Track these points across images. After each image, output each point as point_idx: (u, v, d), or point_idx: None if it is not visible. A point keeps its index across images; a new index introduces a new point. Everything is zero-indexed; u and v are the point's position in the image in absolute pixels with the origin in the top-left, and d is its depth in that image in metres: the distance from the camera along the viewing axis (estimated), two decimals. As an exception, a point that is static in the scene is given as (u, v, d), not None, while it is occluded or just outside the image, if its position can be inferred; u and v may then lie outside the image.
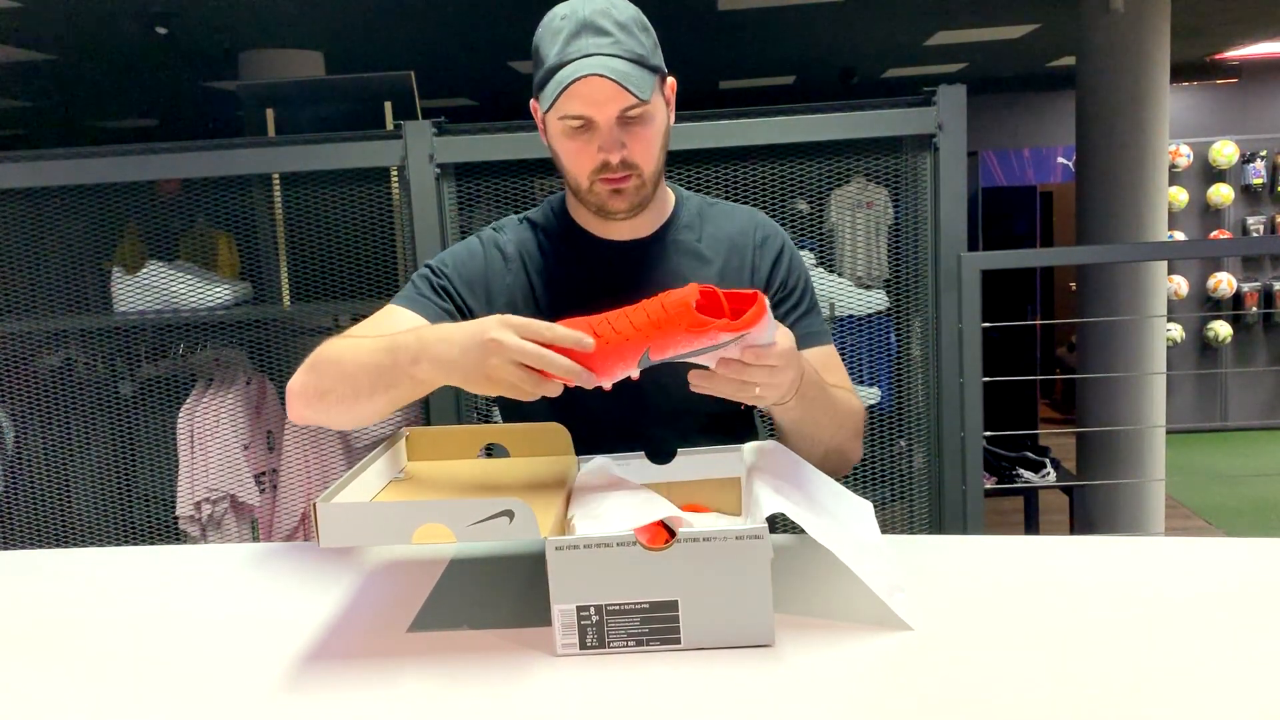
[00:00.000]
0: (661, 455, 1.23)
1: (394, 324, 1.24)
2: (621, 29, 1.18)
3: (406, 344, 1.08)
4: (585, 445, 1.26)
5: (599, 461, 1.20)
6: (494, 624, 1.04)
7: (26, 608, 1.18)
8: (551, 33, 1.19)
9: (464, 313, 1.31)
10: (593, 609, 0.94)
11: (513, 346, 0.99)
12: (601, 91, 1.16)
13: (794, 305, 1.36)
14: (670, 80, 1.27)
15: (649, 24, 1.23)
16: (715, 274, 1.34)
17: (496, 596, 1.12)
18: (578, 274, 1.34)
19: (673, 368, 1.31)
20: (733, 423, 1.38)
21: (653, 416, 1.31)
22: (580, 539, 0.93)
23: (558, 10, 1.20)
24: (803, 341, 1.35)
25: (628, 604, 0.94)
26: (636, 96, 1.16)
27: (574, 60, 1.16)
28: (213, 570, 1.28)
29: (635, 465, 1.22)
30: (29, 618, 1.14)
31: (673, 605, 0.94)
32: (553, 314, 1.31)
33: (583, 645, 0.94)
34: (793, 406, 1.15)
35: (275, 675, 0.95)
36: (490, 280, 1.33)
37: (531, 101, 1.25)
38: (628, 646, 0.95)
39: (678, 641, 0.95)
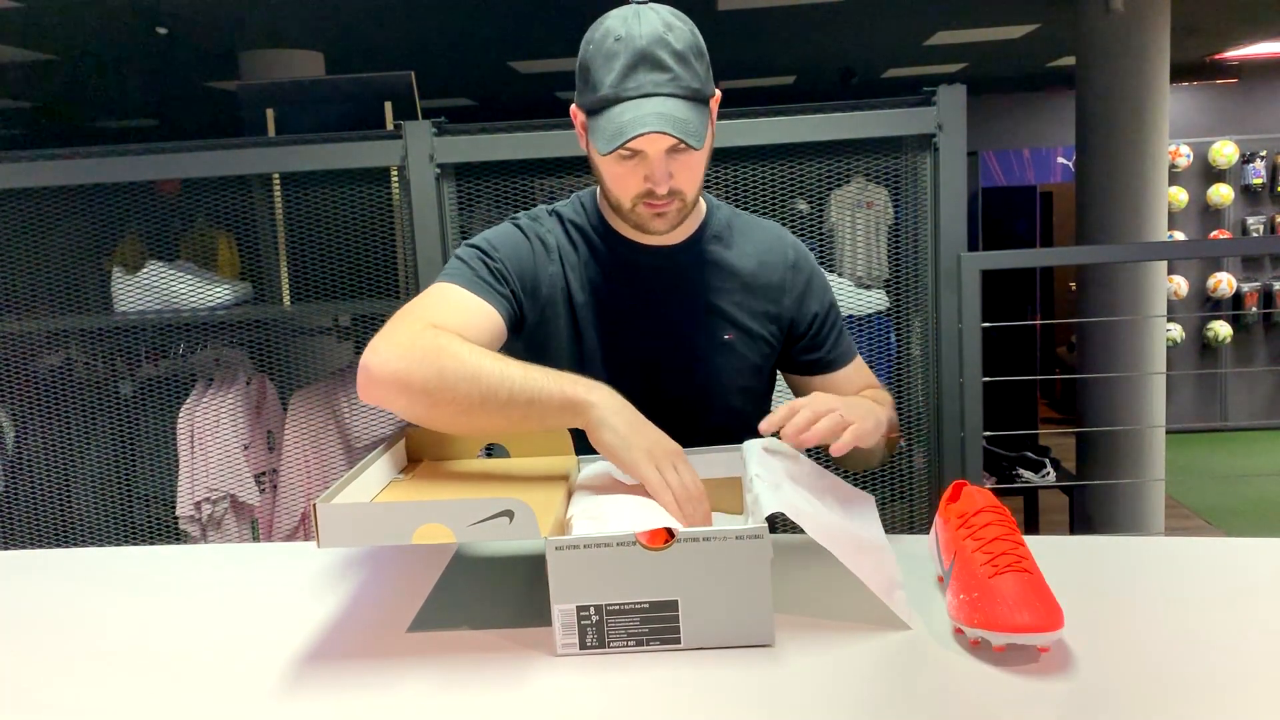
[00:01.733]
0: None
1: (461, 307, 1.20)
2: (680, 61, 1.14)
3: (554, 401, 1.08)
4: (591, 446, 1.26)
5: (600, 465, 1.20)
6: (494, 624, 1.04)
7: (26, 607, 1.17)
8: (605, 55, 1.15)
9: (517, 299, 1.28)
10: (593, 609, 0.94)
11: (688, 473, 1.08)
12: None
13: (832, 324, 1.39)
14: (716, 94, 1.24)
15: (703, 44, 1.19)
16: (741, 284, 1.34)
17: (496, 596, 1.12)
18: (611, 274, 1.33)
19: (680, 373, 1.32)
20: (739, 425, 1.37)
21: (659, 418, 1.31)
22: (580, 539, 0.93)
23: (610, 26, 1.16)
24: (844, 358, 1.40)
25: (628, 604, 0.94)
26: (693, 146, 1.14)
27: (632, 98, 1.14)
28: (213, 570, 1.28)
29: None
30: (29, 618, 1.14)
31: (673, 605, 0.94)
32: (588, 311, 1.32)
33: (583, 645, 0.94)
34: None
35: (275, 675, 0.95)
36: (537, 270, 1.31)
37: (572, 108, 1.24)
38: (628, 646, 0.94)
39: (678, 641, 0.95)
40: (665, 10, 1.18)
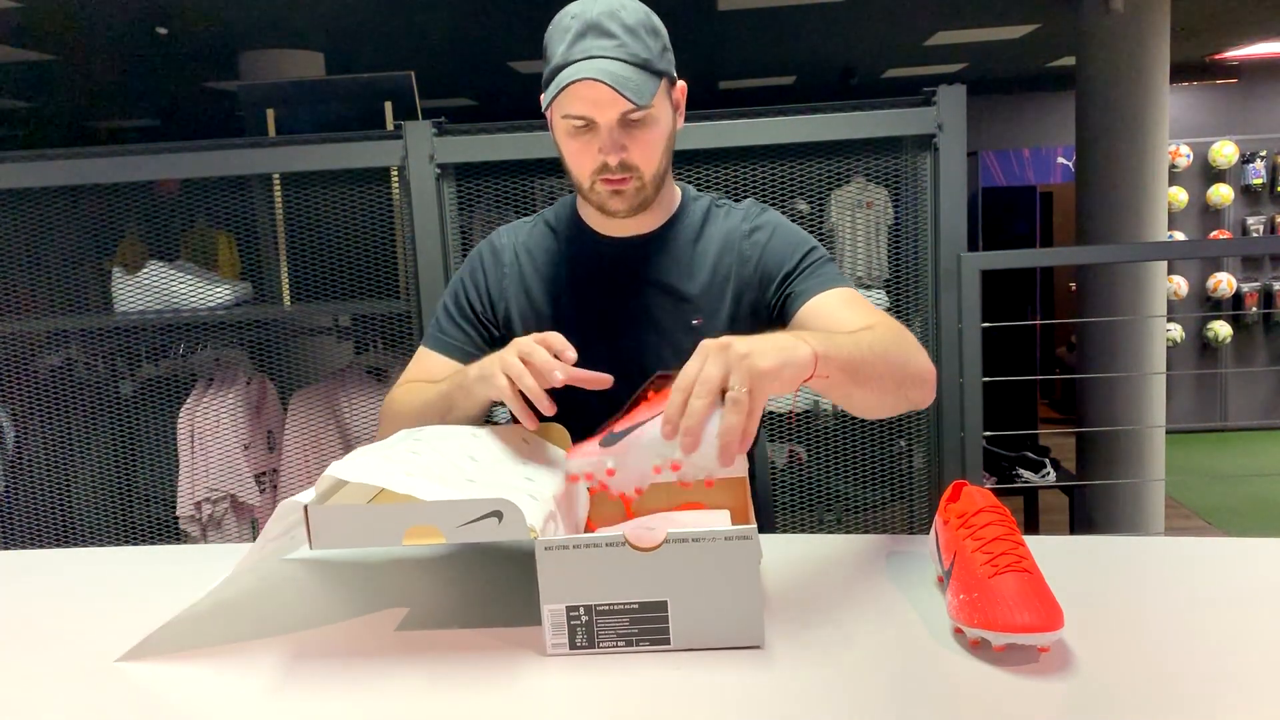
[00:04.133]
0: None
1: (426, 367, 1.38)
2: (628, 31, 1.19)
3: (456, 390, 1.22)
4: (579, 439, 1.26)
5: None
6: (483, 623, 1.03)
7: (26, 608, 1.17)
8: (560, 31, 1.21)
9: (482, 324, 1.39)
10: (582, 609, 0.94)
11: (523, 344, 1.11)
12: (602, 94, 1.17)
13: (805, 267, 1.32)
14: (680, 84, 1.29)
15: (660, 27, 1.24)
16: (709, 267, 1.34)
17: (486, 595, 1.12)
18: (576, 269, 1.36)
19: (651, 361, 1.31)
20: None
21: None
22: (570, 539, 0.93)
23: (569, 9, 1.22)
24: (815, 288, 1.29)
25: (617, 604, 0.94)
26: (632, 101, 1.17)
27: (577, 61, 1.18)
28: (213, 570, 1.28)
29: None
30: (29, 618, 1.14)
31: (662, 606, 0.94)
32: (548, 308, 1.35)
33: (572, 645, 0.94)
34: (829, 370, 1.02)
35: (268, 675, 0.95)
36: (489, 286, 1.39)
37: (541, 99, 1.27)
38: (617, 647, 0.95)
39: (667, 642, 0.95)
40: None
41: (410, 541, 0.92)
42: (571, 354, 1.10)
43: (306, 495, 0.95)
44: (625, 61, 1.18)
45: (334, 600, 1.14)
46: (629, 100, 1.16)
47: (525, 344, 1.11)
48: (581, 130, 1.22)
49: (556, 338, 1.11)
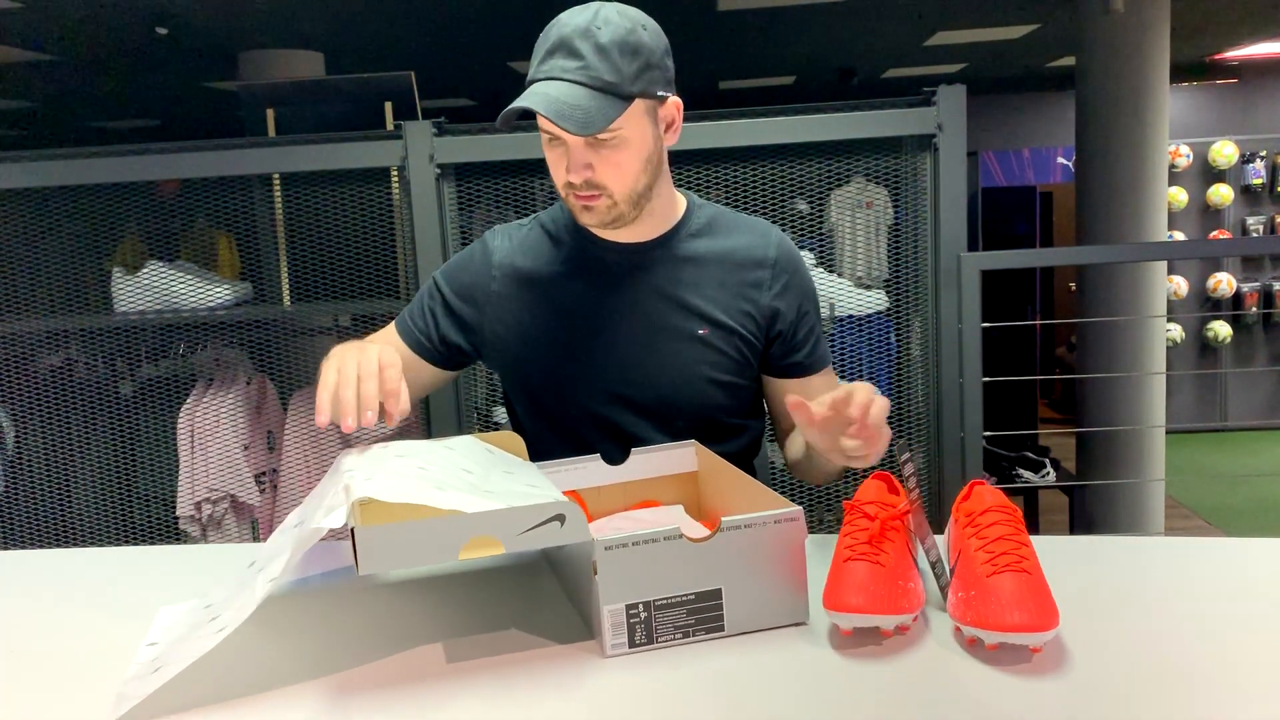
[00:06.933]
0: (616, 456, 1.25)
1: (383, 338, 1.38)
2: (599, 52, 1.15)
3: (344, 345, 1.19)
4: (574, 444, 1.28)
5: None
6: (529, 641, 1.00)
7: (27, 608, 1.17)
8: (541, 41, 1.19)
9: (452, 314, 1.37)
10: (641, 606, 0.94)
11: (367, 363, 1.06)
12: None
13: (810, 328, 1.37)
14: (672, 100, 1.24)
15: (643, 44, 1.18)
16: (717, 280, 1.33)
17: (518, 613, 1.08)
18: (579, 272, 1.35)
19: (652, 367, 1.31)
20: (718, 420, 1.37)
21: (634, 412, 1.32)
22: (628, 537, 0.93)
23: (561, 17, 1.19)
24: (821, 363, 1.38)
25: (674, 597, 0.95)
26: (571, 132, 1.14)
27: (539, 80, 1.17)
28: (213, 570, 1.28)
29: (591, 466, 1.24)
30: (29, 618, 1.14)
31: (716, 594, 0.96)
32: (552, 309, 1.34)
33: (631, 643, 0.95)
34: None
35: (292, 680, 0.95)
36: (474, 289, 1.37)
37: None
38: (675, 639, 0.96)
39: (722, 629, 0.96)
40: (614, 8, 1.18)
41: (468, 555, 0.89)
42: (372, 413, 1.05)
43: (334, 520, 0.90)
44: (584, 85, 1.14)
45: (361, 638, 1.06)
46: (567, 130, 1.14)
47: (369, 365, 1.06)
48: (553, 144, 1.22)
49: (392, 376, 1.07)
